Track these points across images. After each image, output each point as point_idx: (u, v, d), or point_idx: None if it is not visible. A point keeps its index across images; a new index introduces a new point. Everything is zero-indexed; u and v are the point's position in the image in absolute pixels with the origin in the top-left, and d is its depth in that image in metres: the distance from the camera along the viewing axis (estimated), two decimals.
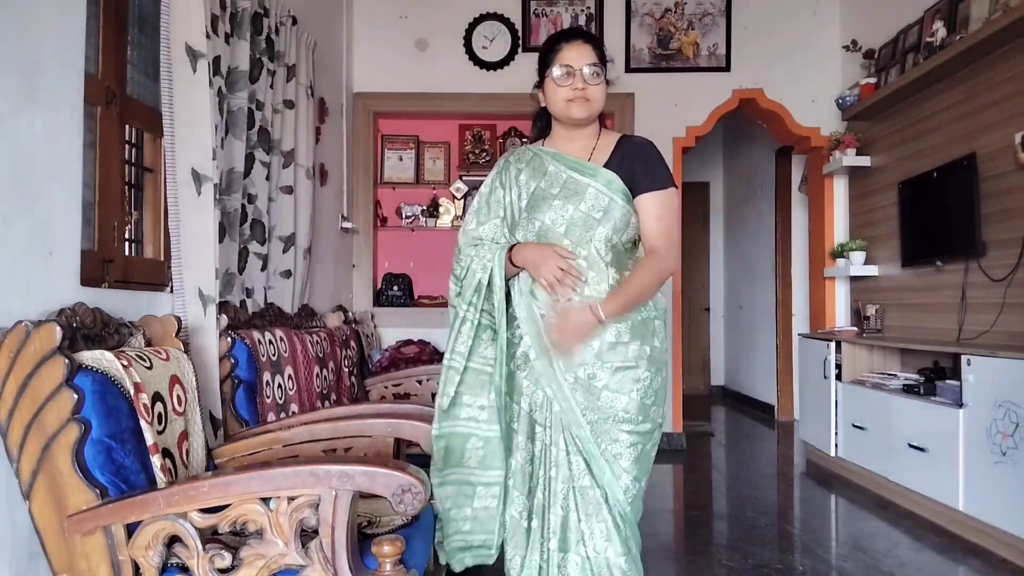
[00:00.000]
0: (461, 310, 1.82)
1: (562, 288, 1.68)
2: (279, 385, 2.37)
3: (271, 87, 2.85)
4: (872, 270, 4.47)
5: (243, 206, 2.58)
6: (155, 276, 2.15)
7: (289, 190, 3.02)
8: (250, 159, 2.64)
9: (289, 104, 3.03)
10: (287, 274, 3.04)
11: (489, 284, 1.78)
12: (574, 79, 1.73)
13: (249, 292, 2.66)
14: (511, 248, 1.77)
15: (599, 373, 1.70)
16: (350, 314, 3.90)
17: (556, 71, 1.74)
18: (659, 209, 1.74)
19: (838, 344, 4.09)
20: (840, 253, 4.67)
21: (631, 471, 1.70)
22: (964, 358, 2.97)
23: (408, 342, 4.31)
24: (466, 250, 1.86)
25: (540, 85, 1.82)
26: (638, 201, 1.74)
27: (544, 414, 1.74)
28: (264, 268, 2.79)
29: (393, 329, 4.63)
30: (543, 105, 1.84)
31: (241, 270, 2.58)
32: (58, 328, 1.35)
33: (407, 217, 4.99)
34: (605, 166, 1.76)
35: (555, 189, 1.77)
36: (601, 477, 1.69)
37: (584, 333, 1.66)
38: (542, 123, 1.91)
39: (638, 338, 1.72)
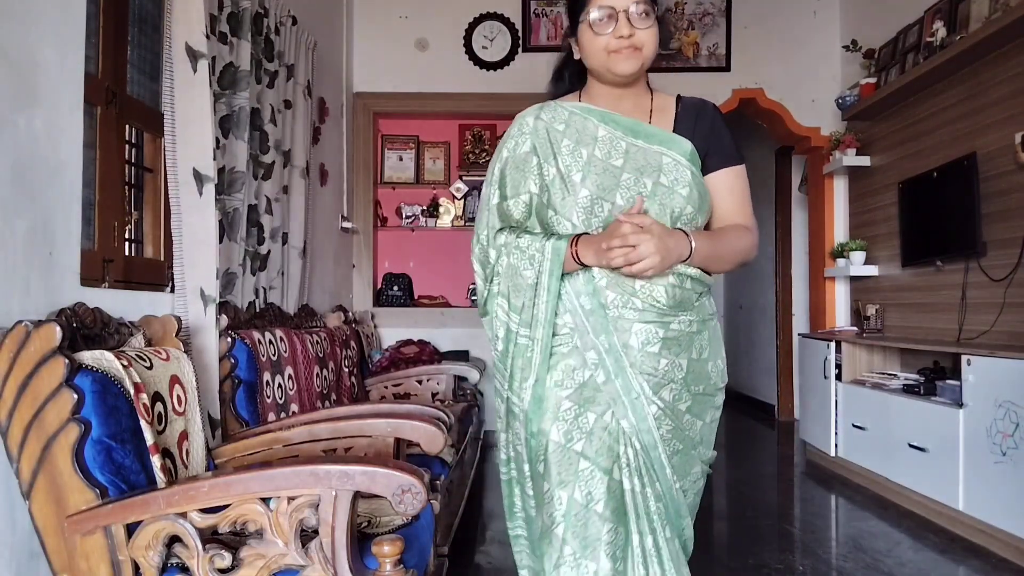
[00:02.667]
0: (509, 323, 1.38)
1: (630, 259, 1.26)
2: (279, 385, 2.37)
3: (271, 87, 2.85)
4: (872, 270, 4.47)
5: (243, 206, 2.58)
6: (155, 276, 2.15)
7: (288, 190, 3.02)
8: (250, 159, 2.64)
9: (288, 104, 3.03)
10: (286, 274, 3.04)
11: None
12: (617, 24, 1.34)
13: (254, 292, 2.66)
14: (576, 239, 1.33)
15: (684, 395, 1.37)
16: (350, 314, 3.90)
17: (594, 14, 1.35)
18: (737, 186, 1.43)
19: (838, 344, 4.09)
20: (840, 253, 4.67)
21: (689, 513, 1.42)
22: (964, 358, 2.97)
23: (408, 342, 4.32)
24: (495, 236, 1.41)
25: (573, 32, 1.43)
26: (713, 178, 1.42)
27: (606, 444, 1.32)
28: (264, 268, 2.80)
29: (393, 329, 4.63)
30: (576, 57, 1.45)
31: (241, 270, 2.58)
32: (58, 328, 1.35)
33: (407, 217, 4.99)
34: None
35: (617, 160, 1.37)
36: (680, 522, 1.38)
37: (652, 247, 1.24)
38: (570, 72, 1.51)
39: (714, 354, 1.42)
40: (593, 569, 1.27)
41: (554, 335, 1.36)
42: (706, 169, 1.42)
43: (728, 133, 1.45)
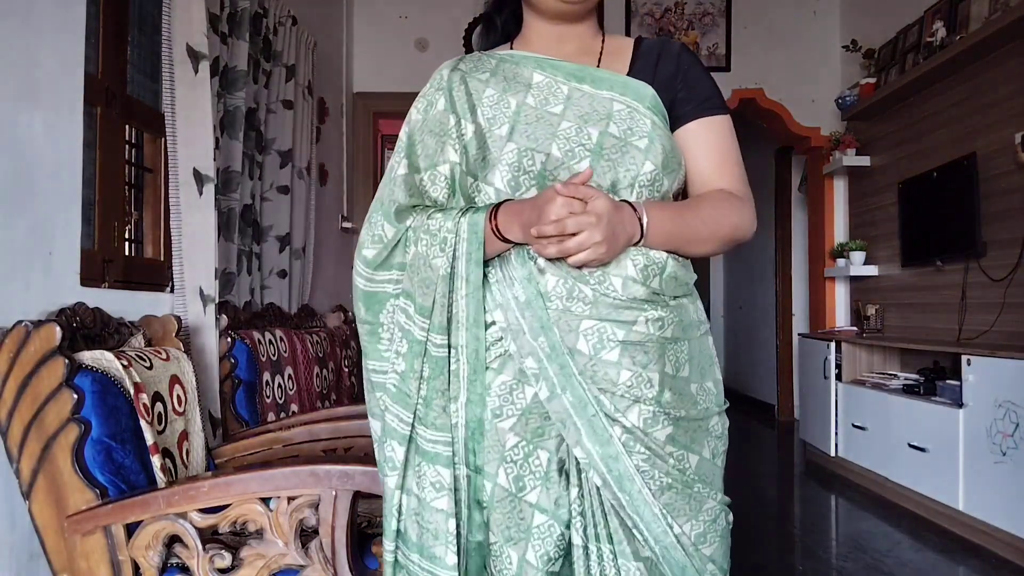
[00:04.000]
0: (412, 330, 1.03)
1: (563, 245, 0.95)
2: (279, 385, 2.37)
3: (267, 87, 2.85)
4: (872, 270, 4.47)
5: (241, 206, 2.58)
6: (155, 276, 2.15)
7: (286, 190, 3.02)
8: (248, 159, 2.65)
9: (287, 104, 3.03)
10: (285, 274, 3.04)
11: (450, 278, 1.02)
12: None
13: (249, 292, 2.66)
14: (496, 209, 1.02)
15: (662, 419, 1.01)
16: (350, 314, 3.90)
17: None
18: (716, 141, 1.12)
19: (838, 344, 4.09)
20: (840, 253, 4.67)
21: (720, 561, 1.04)
22: (964, 358, 2.97)
23: None
24: (397, 216, 1.06)
25: None
26: (683, 133, 1.12)
27: (557, 489, 1.01)
28: (262, 268, 2.80)
29: None
30: None
31: (240, 270, 2.58)
32: (58, 328, 1.35)
33: None
34: None
35: (556, 107, 1.08)
36: None
37: (597, 233, 0.94)
38: (504, 19, 1.25)
39: (699, 373, 1.07)
40: None
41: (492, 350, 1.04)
42: (677, 122, 1.12)
43: (704, 75, 1.15)
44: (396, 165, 1.11)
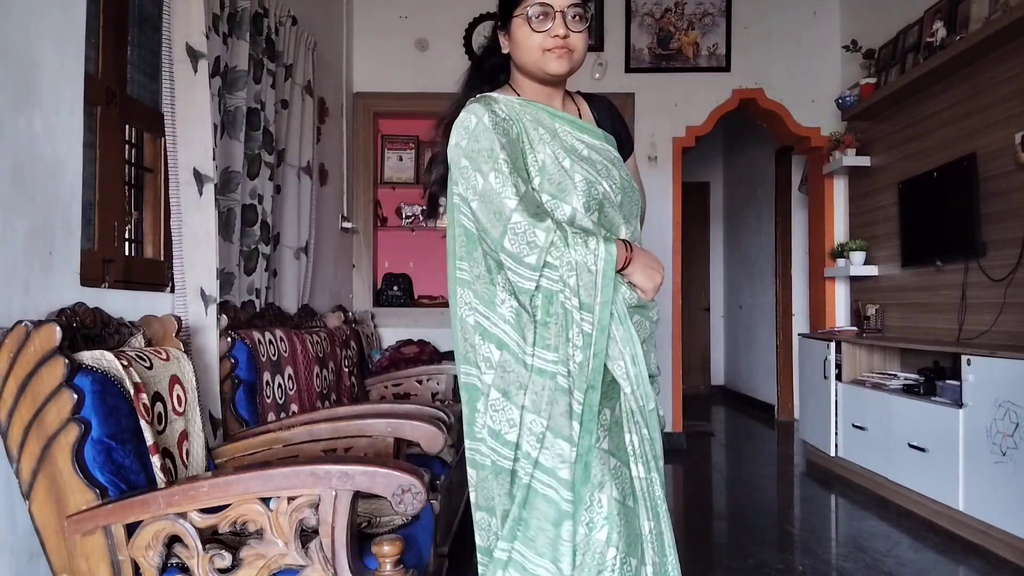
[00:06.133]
0: (584, 326, 1.31)
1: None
2: (279, 385, 2.37)
3: (271, 87, 2.85)
4: (872, 270, 4.47)
5: (242, 206, 2.58)
6: (155, 276, 2.15)
7: (285, 190, 3.02)
8: (248, 159, 2.64)
9: (286, 104, 3.03)
10: (286, 274, 3.04)
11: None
12: (554, 23, 1.37)
13: (249, 292, 2.66)
14: (627, 246, 1.37)
15: (652, 380, 1.46)
16: (350, 314, 3.90)
17: (532, 10, 1.37)
18: (636, 167, 1.63)
19: (838, 344, 4.09)
20: (840, 253, 4.67)
21: None
22: (964, 358, 2.97)
23: (408, 342, 4.31)
24: (536, 232, 1.29)
25: (504, 27, 1.45)
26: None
27: (623, 438, 1.36)
28: (263, 268, 2.80)
29: (393, 329, 4.63)
30: (504, 51, 1.47)
31: (240, 270, 2.58)
32: (58, 328, 1.35)
33: (407, 217, 4.99)
34: None
35: (584, 151, 1.42)
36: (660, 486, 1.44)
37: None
38: (491, 65, 1.53)
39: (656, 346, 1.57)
40: (635, 564, 1.29)
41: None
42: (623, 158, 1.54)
43: (624, 124, 1.61)
44: (516, 184, 1.32)
